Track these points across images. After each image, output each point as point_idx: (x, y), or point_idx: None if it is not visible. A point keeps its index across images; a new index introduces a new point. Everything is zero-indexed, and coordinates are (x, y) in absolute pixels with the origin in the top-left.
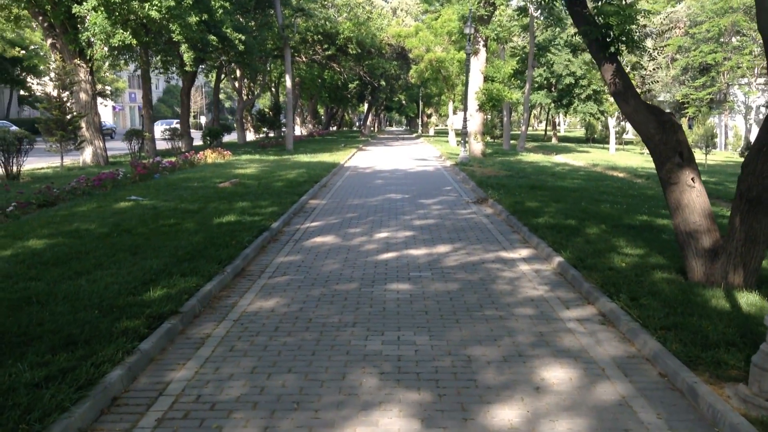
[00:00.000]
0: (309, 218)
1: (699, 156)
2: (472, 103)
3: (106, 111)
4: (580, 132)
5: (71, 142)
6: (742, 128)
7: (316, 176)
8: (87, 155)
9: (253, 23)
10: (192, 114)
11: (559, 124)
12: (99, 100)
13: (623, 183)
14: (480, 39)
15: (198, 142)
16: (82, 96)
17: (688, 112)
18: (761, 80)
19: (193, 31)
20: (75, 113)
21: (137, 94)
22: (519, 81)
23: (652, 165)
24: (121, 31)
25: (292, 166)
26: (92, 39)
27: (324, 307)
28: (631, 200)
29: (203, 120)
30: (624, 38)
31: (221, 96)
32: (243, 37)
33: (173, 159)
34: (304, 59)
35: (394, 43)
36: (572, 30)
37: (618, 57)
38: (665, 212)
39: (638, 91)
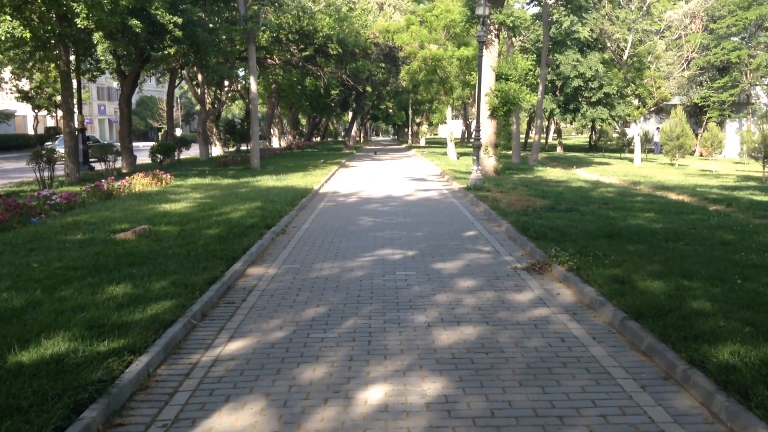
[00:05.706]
0: (228, 326)
1: (756, 167)
2: (485, 107)
3: None
4: (577, 139)
5: None
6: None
7: (275, 214)
8: None
9: (217, 19)
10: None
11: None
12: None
13: (719, 218)
14: (492, 28)
15: (146, 159)
16: None
17: (711, 116)
18: None
19: (106, 13)
20: None
21: (107, 106)
22: (535, 80)
23: (703, 181)
24: (8, 18)
25: (247, 195)
26: None
27: None
28: None
29: (179, 133)
30: None
31: (198, 107)
32: (179, 20)
33: (77, 189)
34: (278, 61)
35: (381, 42)
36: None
37: None
38: None
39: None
